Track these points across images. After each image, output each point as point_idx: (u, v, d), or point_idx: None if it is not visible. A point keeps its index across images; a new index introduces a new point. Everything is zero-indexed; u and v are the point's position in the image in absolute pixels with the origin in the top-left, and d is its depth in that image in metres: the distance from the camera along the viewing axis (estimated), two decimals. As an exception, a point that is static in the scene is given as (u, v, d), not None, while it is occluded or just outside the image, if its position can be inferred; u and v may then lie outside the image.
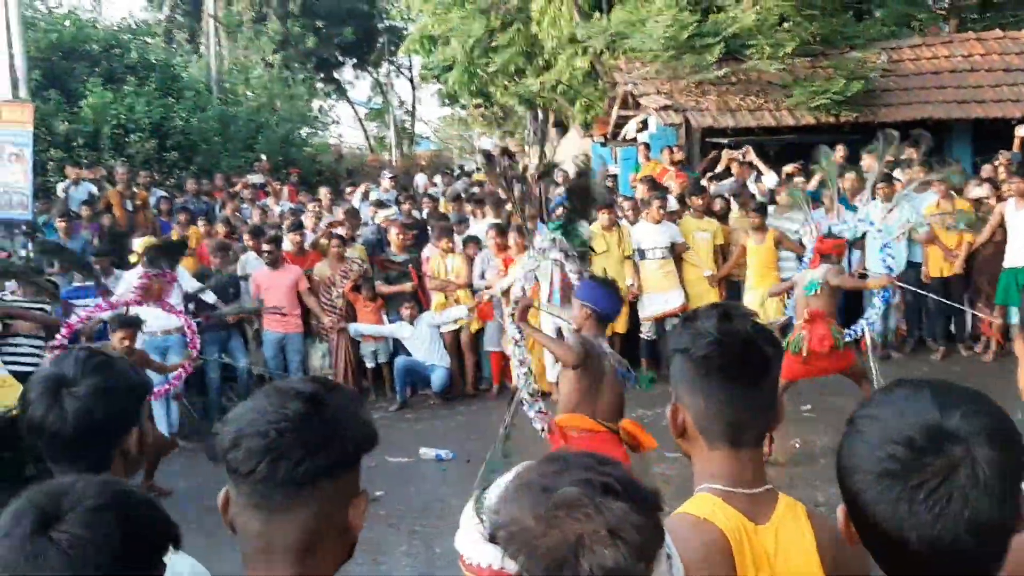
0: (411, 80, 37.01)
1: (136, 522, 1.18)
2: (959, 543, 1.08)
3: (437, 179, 16.79)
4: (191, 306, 8.81)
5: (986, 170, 9.54)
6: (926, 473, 1.09)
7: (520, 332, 5.07)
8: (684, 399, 1.65)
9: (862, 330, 7.08)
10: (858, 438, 1.18)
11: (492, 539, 1.10)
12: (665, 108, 12.02)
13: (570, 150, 18.29)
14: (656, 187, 9.98)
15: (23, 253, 11.52)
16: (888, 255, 6.99)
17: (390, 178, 14.08)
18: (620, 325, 9.06)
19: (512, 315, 5.00)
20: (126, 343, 6.39)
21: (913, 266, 9.18)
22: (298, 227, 9.81)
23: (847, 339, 6.62)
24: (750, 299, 8.75)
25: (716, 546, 1.53)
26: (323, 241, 9.95)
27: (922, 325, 9.53)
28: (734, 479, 1.60)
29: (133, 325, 6.58)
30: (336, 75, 35.04)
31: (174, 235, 10.42)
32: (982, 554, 1.11)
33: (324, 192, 12.09)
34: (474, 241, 9.45)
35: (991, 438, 1.10)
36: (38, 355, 7.64)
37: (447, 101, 28.31)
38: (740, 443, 1.62)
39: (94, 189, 12.31)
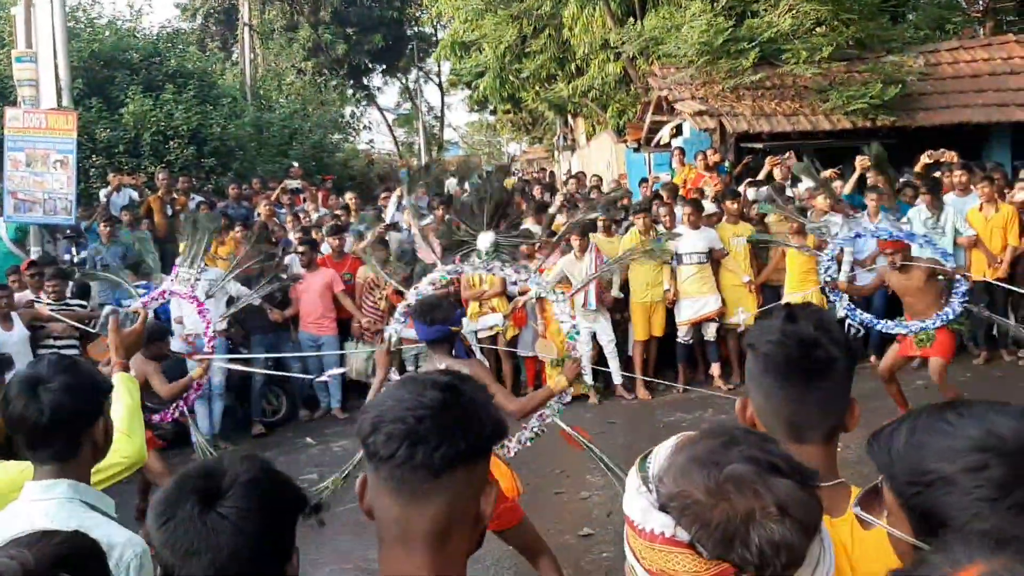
0: (440, 86, 37.24)
1: (283, 489, 1.37)
2: None
3: (451, 183, 16.90)
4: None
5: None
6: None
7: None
8: (751, 393, 1.71)
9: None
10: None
11: (663, 508, 1.14)
12: (700, 113, 12.02)
13: (601, 156, 18.35)
14: (675, 196, 10.03)
15: (67, 257, 11.75)
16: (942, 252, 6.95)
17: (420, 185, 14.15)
18: (657, 328, 9.09)
19: None
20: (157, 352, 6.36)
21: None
22: (337, 231, 9.90)
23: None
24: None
25: None
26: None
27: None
28: None
29: (156, 335, 6.55)
30: (365, 81, 35.35)
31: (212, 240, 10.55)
32: None
33: (350, 197, 12.14)
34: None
35: None
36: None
37: (476, 107, 28.45)
38: (803, 439, 1.64)
39: (135, 195, 12.51)
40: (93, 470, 2.29)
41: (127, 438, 2.58)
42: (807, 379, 1.63)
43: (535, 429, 4.79)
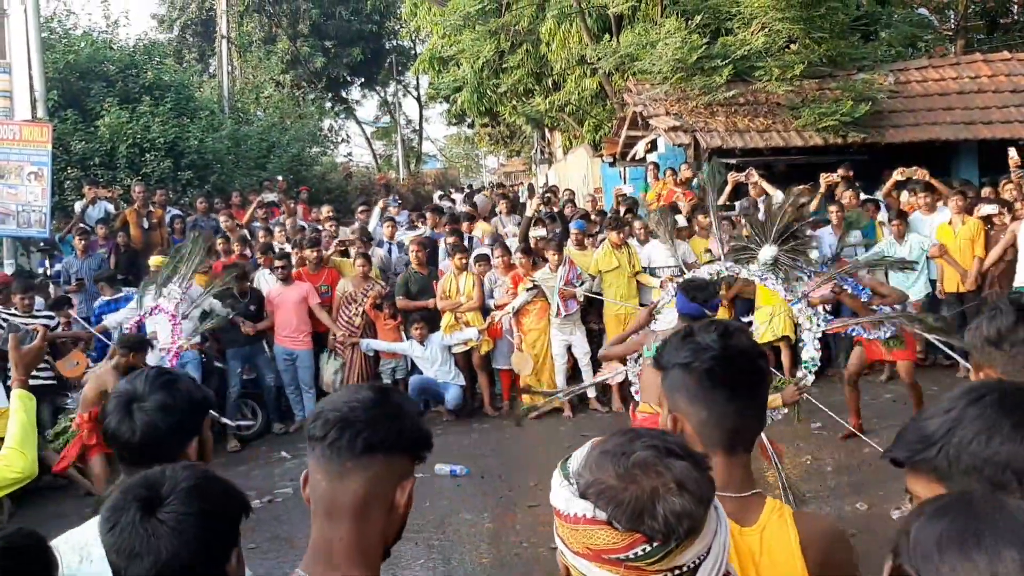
0: (418, 99, 37.29)
1: (222, 496, 1.46)
2: None
3: (457, 196, 16.98)
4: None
5: (987, 191, 9.65)
6: None
7: None
8: (683, 409, 1.78)
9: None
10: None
11: (583, 496, 1.31)
12: (674, 129, 12.15)
13: (578, 169, 18.48)
14: (635, 210, 10.20)
15: (40, 271, 11.68)
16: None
17: (395, 201, 14.24)
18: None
19: None
20: (128, 363, 6.31)
21: (932, 284, 9.32)
22: (314, 243, 9.93)
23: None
24: (760, 316, 8.89)
25: None
26: (335, 258, 10.08)
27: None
28: (724, 484, 1.71)
29: (137, 346, 6.58)
30: (344, 94, 35.35)
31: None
32: None
33: (326, 210, 12.14)
34: (484, 259, 9.56)
35: None
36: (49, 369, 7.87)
37: (454, 120, 28.53)
38: (735, 450, 1.77)
39: (111, 207, 12.47)
40: None
41: (20, 453, 2.68)
42: (748, 391, 1.78)
43: None
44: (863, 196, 10.33)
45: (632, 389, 6.02)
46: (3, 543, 1.51)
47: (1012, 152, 9.80)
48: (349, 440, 1.55)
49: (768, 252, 5.64)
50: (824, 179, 10.15)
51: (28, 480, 2.69)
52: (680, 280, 5.52)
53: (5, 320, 7.84)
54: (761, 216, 5.88)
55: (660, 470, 1.29)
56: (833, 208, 9.59)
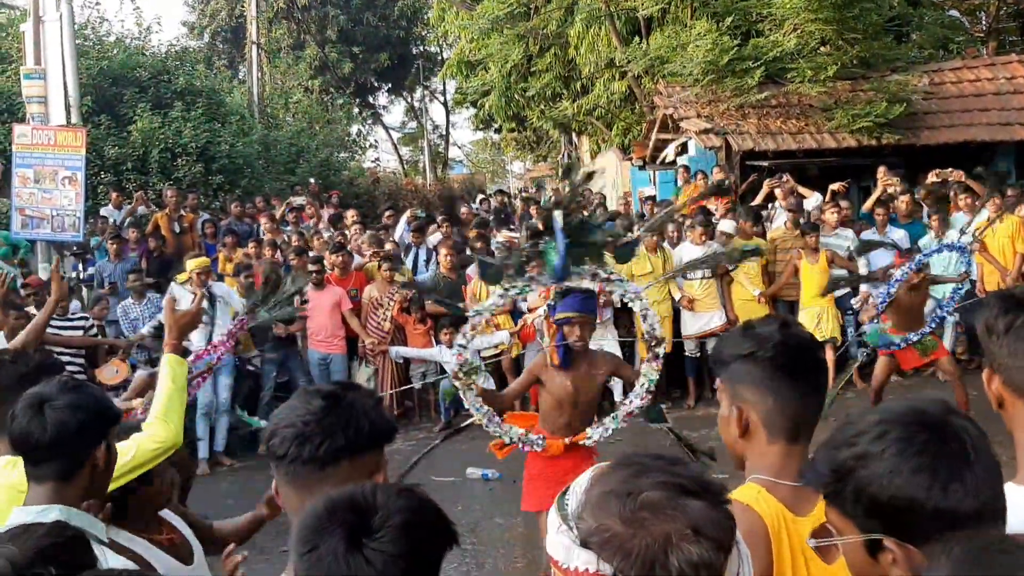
0: (445, 104, 37.40)
1: (434, 532, 1.30)
2: None
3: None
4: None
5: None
6: None
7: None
8: (749, 398, 1.81)
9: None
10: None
11: (584, 544, 1.17)
12: (705, 131, 12.06)
13: (606, 174, 18.40)
14: (702, 211, 10.04)
15: (73, 274, 11.78)
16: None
17: (422, 213, 14.20)
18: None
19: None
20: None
21: (972, 283, 9.18)
22: (340, 248, 9.93)
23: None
24: (805, 317, 8.84)
25: (755, 532, 1.65)
26: (369, 265, 10.07)
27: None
28: (782, 472, 1.76)
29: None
30: (371, 100, 35.52)
31: (220, 256, 10.61)
32: None
33: (352, 214, 12.15)
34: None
35: None
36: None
37: (481, 126, 28.56)
38: (797, 439, 1.80)
39: (143, 211, 12.56)
40: (125, 455, 2.35)
41: (163, 423, 2.61)
42: (810, 378, 1.82)
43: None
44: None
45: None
46: (44, 541, 1.47)
47: None
48: (310, 455, 1.56)
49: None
50: (882, 181, 10.13)
51: (172, 450, 2.61)
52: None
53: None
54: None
55: (673, 513, 1.14)
56: (880, 210, 9.46)
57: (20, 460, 2.59)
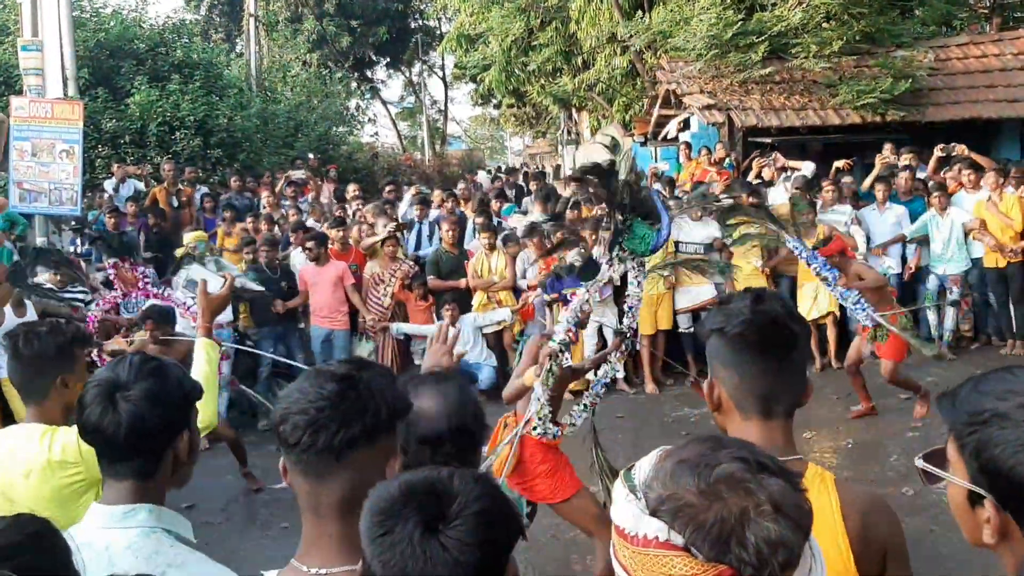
0: (444, 79, 37.16)
1: (507, 521, 1.26)
2: None
3: (482, 176, 16.88)
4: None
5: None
6: None
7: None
8: (720, 374, 1.81)
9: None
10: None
11: (654, 514, 1.12)
12: (708, 107, 11.95)
13: (606, 151, 18.30)
14: (672, 189, 10.04)
15: (71, 249, 11.71)
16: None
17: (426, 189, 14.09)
18: (664, 321, 9.09)
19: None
20: (155, 335, 6.26)
21: (975, 262, 9.15)
22: (340, 223, 9.85)
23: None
24: (805, 292, 8.82)
25: None
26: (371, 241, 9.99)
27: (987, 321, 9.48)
28: (765, 448, 1.65)
29: (162, 318, 6.47)
30: (370, 74, 35.27)
31: (219, 231, 10.54)
32: None
33: (353, 188, 12.04)
34: (513, 240, 9.44)
35: None
36: None
37: (480, 101, 28.41)
38: (771, 414, 1.77)
39: (141, 186, 12.48)
40: None
41: (202, 405, 2.53)
42: (779, 354, 1.78)
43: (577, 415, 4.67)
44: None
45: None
46: (9, 527, 1.30)
47: None
48: (325, 444, 1.48)
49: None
50: (879, 160, 10.08)
51: (206, 432, 2.55)
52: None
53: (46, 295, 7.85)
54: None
55: (751, 488, 1.10)
56: (880, 187, 9.42)
57: (57, 431, 2.55)
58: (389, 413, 1.54)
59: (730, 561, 1.06)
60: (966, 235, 9.06)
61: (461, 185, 13.13)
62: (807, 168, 10.38)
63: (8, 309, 6.93)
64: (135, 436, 1.80)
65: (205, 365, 2.75)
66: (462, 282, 9.36)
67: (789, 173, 10.52)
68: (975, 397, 1.29)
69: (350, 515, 1.42)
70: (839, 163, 10.31)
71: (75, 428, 2.11)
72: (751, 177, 10.88)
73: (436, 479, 1.25)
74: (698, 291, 9.08)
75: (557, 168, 24.79)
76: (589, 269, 4.38)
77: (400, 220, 10.35)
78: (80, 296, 8.17)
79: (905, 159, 10.08)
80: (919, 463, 1.37)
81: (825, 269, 5.78)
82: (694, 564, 1.07)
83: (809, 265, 6.14)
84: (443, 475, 1.26)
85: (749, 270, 9.09)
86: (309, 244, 9.09)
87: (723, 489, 1.10)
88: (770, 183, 10.53)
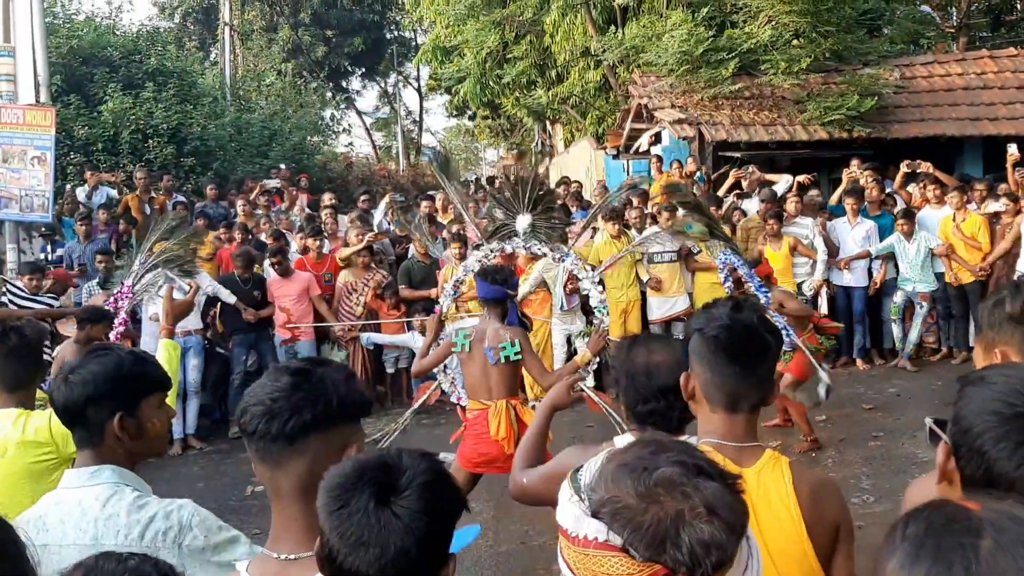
0: (419, 90, 37.21)
1: (452, 495, 1.39)
2: None
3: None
4: (212, 309, 8.94)
5: (1003, 187, 9.67)
6: None
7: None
8: (695, 369, 1.96)
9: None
10: (984, 388, 1.39)
11: (595, 515, 1.17)
12: (679, 121, 12.12)
13: (580, 162, 18.46)
14: (646, 201, 10.23)
15: (42, 256, 11.63)
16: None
17: (401, 197, 14.10)
18: (634, 326, 9.21)
19: None
20: (87, 335, 5.89)
21: (939, 277, 9.38)
22: (316, 232, 9.87)
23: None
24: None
25: None
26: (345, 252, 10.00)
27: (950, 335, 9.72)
28: (727, 436, 1.91)
29: (102, 319, 6.31)
30: (345, 84, 35.25)
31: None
32: None
33: (328, 197, 12.02)
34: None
35: None
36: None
37: (455, 112, 28.49)
38: (736, 409, 1.93)
39: (113, 193, 12.42)
40: None
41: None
42: (749, 360, 1.91)
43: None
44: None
45: (453, 397, 6.08)
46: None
47: (1012, 148, 9.79)
48: (277, 431, 1.59)
49: (524, 221, 5.80)
50: (847, 174, 10.36)
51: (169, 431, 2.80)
52: (476, 269, 5.60)
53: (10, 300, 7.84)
54: (507, 192, 5.97)
55: (688, 491, 1.14)
56: (850, 200, 9.63)
57: (31, 415, 2.85)
58: (341, 404, 1.64)
59: (665, 562, 1.11)
60: (933, 257, 9.30)
61: (440, 195, 13.16)
62: (784, 182, 10.57)
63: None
64: (68, 408, 2.11)
65: (166, 365, 2.85)
66: (433, 291, 9.41)
67: (768, 191, 10.73)
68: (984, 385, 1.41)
69: (308, 500, 1.51)
70: (800, 177, 10.53)
71: (48, 412, 2.59)
72: (724, 188, 11.06)
73: (386, 456, 1.37)
74: (674, 302, 9.23)
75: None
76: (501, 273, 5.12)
77: (375, 230, 10.40)
78: (48, 301, 8.14)
79: (864, 176, 10.29)
80: (928, 421, 1.50)
81: (760, 290, 6.11)
82: (631, 564, 1.13)
83: (744, 282, 6.42)
84: (394, 452, 1.38)
85: (714, 280, 9.24)
86: (274, 259, 9.04)
87: (660, 492, 1.14)
88: (747, 195, 10.72)
